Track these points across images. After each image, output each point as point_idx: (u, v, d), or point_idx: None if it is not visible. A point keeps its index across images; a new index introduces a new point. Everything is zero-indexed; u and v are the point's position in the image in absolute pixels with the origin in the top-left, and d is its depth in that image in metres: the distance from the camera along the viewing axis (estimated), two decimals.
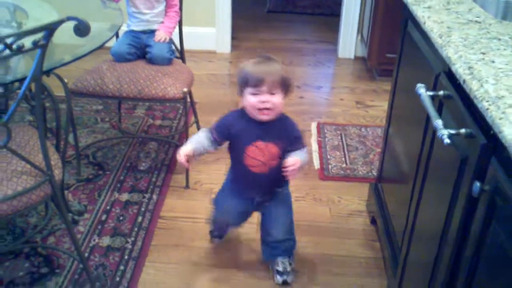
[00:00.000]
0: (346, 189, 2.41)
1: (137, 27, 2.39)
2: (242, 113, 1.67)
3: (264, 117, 1.61)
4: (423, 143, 1.45)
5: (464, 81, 1.08)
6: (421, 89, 1.33)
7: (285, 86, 1.60)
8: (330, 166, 2.56)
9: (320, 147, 2.72)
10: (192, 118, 2.65)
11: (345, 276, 1.93)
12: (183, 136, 2.55)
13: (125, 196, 2.28)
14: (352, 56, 3.88)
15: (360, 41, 3.84)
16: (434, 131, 1.25)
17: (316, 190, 2.40)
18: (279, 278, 1.85)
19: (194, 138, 1.71)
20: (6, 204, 1.54)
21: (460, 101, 1.16)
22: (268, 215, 1.81)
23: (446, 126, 1.13)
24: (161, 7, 2.38)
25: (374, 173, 2.44)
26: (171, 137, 2.75)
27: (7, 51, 1.32)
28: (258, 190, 1.74)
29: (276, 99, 1.59)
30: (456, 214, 1.12)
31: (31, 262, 1.92)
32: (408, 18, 1.75)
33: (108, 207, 2.21)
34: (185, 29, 2.56)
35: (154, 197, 2.26)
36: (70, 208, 2.19)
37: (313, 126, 2.91)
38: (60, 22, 1.38)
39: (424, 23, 1.43)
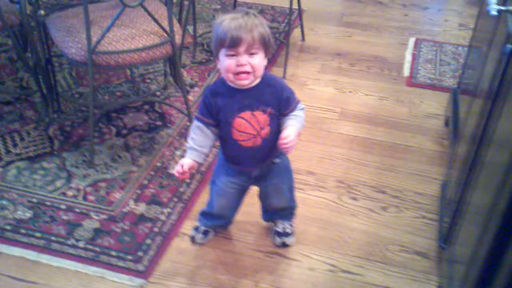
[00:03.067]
0: (429, 95, 2.59)
1: None
2: (220, 85, 1.47)
3: (243, 82, 1.40)
4: (500, 63, 1.57)
5: None
6: None
7: (265, 44, 1.39)
8: (418, 75, 2.74)
9: (413, 59, 2.88)
10: (298, 22, 2.93)
11: (408, 161, 2.17)
12: (285, 39, 2.84)
13: None
14: None
15: None
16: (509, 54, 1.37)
17: (400, 93, 2.60)
18: (278, 240, 1.77)
19: (190, 147, 1.50)
20: (136, 54, 1.95)
21: None
22: (268, 188, 1.66)
23: None
24: None
25: None
26: (278, 35, 3.05)
27: None
28: (255, 164, 1.57)
29: (255, 61, 1.38)
30: None
31: (148, 116, 2.37)
32: None
33: None
34: None
35: None
36: (184, 81, 2.59)
37: (411, 41, 3.06)
38: None
39: None
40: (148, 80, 2.62)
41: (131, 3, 1.88)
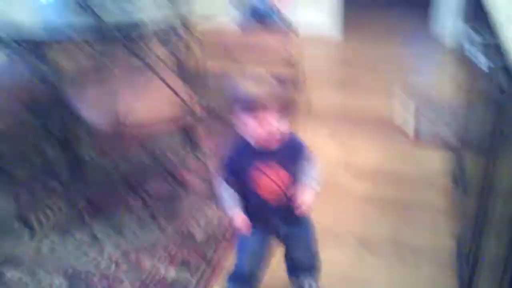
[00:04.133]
0: (434, 153, 2.73)
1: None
2: (241, 145, 1.53)
3: (267, 142, 1.47)
4: (495, 124, 1.62)
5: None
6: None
7: (284, 105, 1.45)
8: (422, 134, 2.89)
9: (416, 119, 3.05)
10: (303, 89, 3.11)
11: (420, 216, 2.28)
12: (293, 104, 3.00)
13: None
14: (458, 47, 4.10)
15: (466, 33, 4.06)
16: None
17: (407, 152, 2.75)
18: None
19: (229, 204, 1.59)
20: (159, 124, 2.09)
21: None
22: (293, 243, 1.70)
23: None
24: None
25: None
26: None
27: None
28: (278, 220, 1.61)
29: (277, 122, 1.44)
30: None
31: (170, 185, 2.48)
32: None
33: None
34: (298, 14, 3.00)
35: None
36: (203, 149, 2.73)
37: (412, 102, 3.24)
38: None
39: None
40: (167, 150, 2.75)
41: (154, 75, 2.04)
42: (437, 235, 2.18)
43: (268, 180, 1.51)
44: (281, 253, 1.80)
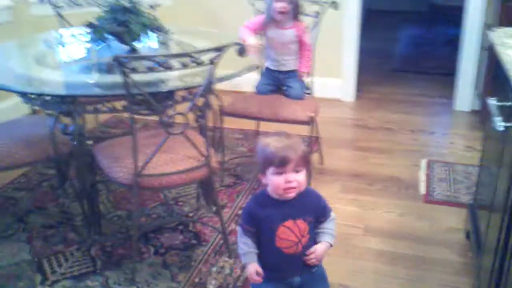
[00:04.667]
0: (447, 211, 2.73)
1: (274, 67, 2.95)
2: (262, 196, 1.63)
3: (290, 195, 1.57)
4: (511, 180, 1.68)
5: None
6: (491, 100, 1.72)
7: (307, 162, 1.59)
8: (435, 193, 2.90)
9: (427, 178, 3.07)
10: (316, 147, 3.17)
11: (435, 272, 2.26)
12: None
13: None
14: (467, 109, 4.18)
15: (475, 95, 4.15)
16: None
17: (420, 210, 2.75)
18: None
19: (245, 253, 1.63)
20: (177, 176, 2.14)
21: None
22: None
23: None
24: (294, 51, 2.89)
25: None
26: None
27: (192, 64, 1.95)
28: (294, 271, 1.66)
29: (301, 177, 1.56)
30: None
31: (184, 236, 2.50)
32: None
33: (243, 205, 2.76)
34: (315, 79, 3.09)
35: None
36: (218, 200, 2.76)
37: (423, 162, 3.27)
38: (229, 45, 1.99)
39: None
40: (180, 203, 2.78)
41: (174, 131, 2.10)
42: None
43: (286, 230, 1.58)
44: None
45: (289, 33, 2.84)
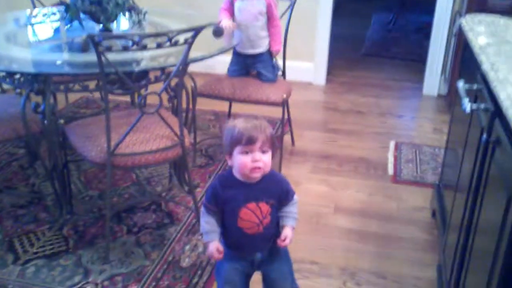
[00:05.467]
0: (413, 191, 2.81)
1: (243, 49, 2.89)
2: (227, 177, 1.65)
3: (256, 175, 1.59)
4: (475, 161, 1.71)
5: (487, 73, 1.54)
6: (460, 83, 1.78)
7: (273, 144, 1.60)
8: (402, 174, 2.98)
9: (395, 159, 3.15)
10: (287, 129, 3.21)
11: (402, 249, 2.34)
12: (278, 142, 3.08)
13: None
14: (435, 94, 4.28)
15: (443, 80, 4.24)
16: (484, 147, 1.56)
17: (387, 190, 2.82)
18: None
19: (207, 231, 1.66)
20: (151, 155, 2.15)
21: (485, 90, 1.61)
22: (270, 273, 1.75)
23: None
24: (262, 26, 2.84)
25: None
26: None
27: (167, 43, 1.95)
28: (256, 249, 1.70)
29: (267, 158, 1.58)
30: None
31: (156, 215, 2.51)
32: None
33: None
34: (287, 62, 3.12)
35: None
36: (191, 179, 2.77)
37: (391, 144, 3.35)
38: (205, 26, 1.99)
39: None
40: (153, 183, 2.79)
41: (148, 110, 2.11)
42: (418, 266, 2.24)
43: (248, 211, 1.61)
44: None
45: (258, 2, 2.80)
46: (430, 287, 2.10)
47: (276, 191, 1.65)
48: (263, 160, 1.56)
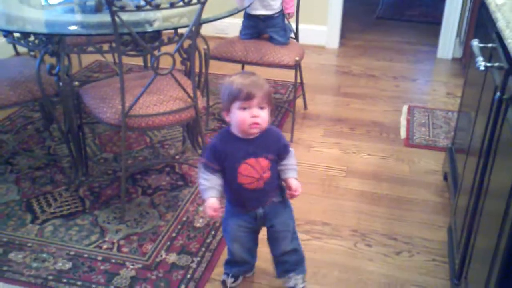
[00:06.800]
0: (426, 154, 2.82)
1: (255, 11, 2.86)
2: (226, 134, 1.66)
3: (254, 131, 1.60)
4: (488, 122, 1.72)
5: (502, 30, 1.52)
6: (474, 42, 1.77)
7: (270, 101, 1.61)
8: (415, 137, 2.98)
9: (408, 123, 3.14)
10: (300, 93, 3.20)
11: (414, 211, 2.36)
12: (291, 105, 3.08)
13: None
14: (449, 57, 4.23)
15: (458, 43, 4.19)
16: (497, 107, 1.56)
17: (400, 153, 2.83)
18: None
19: (206, 188, 1.67)
20: (165, 117, 2.17)
21: (500, 48, 1.59)
22: (273, 227, 1.79)
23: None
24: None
25: None
26: (282, 103, 3.31)
27: (181, 3, 1.95)
28: (258, 204, 1.73)
29: (264, 114, 1.59)
30: None
31: (170, 177, 2.55)
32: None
33: None
34: (300, 25, 3.10)
35: None
36: (200, 144, 2.80)
37: (404, 108, 3.34)
38: None
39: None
40: (166, 146, 2.82)
41: (161, 72, 2.12)
42: (429, 228, 2.26)
43: (248, 167, 1.64)
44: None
45: None
46: (440, 249, 2.13)
47: (274, 146, 1.67)
48: (261, 116, 1.58)
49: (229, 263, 1.91)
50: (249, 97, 1.55)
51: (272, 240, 1.83)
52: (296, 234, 1.84)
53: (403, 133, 3.03)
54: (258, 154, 1.64)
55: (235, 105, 1.57)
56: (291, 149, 1.73)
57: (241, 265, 1.90)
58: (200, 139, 2.47)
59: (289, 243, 1.82)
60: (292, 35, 3.04)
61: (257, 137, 1.63)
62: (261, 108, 1.58)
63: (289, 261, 1.85)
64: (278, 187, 1.75)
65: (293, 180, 1.71)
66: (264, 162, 1.64)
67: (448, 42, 4.22)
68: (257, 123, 1.58)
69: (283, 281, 1.89)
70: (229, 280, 1.90)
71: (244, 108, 1.57)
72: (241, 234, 1.79)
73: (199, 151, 2.61)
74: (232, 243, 1.81)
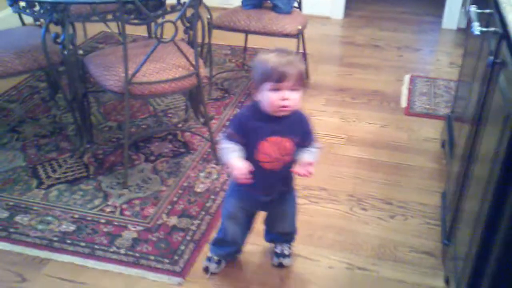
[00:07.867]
0: (425, 123, 2.85)
1: None
2: (255, 108, 1.58)
3: (282, 113, 1.55)
4: (481, 89, 1.74)
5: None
6: (472, 8, 1.78)
7: (302, 82, 1.54)
8: (415, 106, 3.01)
9: (409, 92, 3.16)
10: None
11: (411, 177, 2.40)
12: None
13: None
14: (454, 27, 4.21)
15: (463, 13, 4.17)
16: (490, 72, 1.57)
17: (400, 121, 2.86)
18: (275, 260, 1.89)
19: (228, 151, 1.58)
20: (167, 84, 2.21)
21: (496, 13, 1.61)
22: (274, 215, 1.79)
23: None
24: None
25: None
26: None
27: None
28: (267, 190, 1.68)
29: (296, 96, 1.53)
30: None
31: (173, 145, 2.60)
32: None
33: (230, 117, 2.85)
34: None
35: None
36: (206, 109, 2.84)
37: (406, 77, 3.36)
38: None
39: None
40: (170, 115, 2.87)
41: (164, 39, 2.15)
42: (425, 193, 2.31)
43: (271, 145, 1.58)
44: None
45: None
46: (434, 213, 2.18)
47: (300, 129, 1.61)
48: (292, 98, 1.52)
49: (217, 243, 1.86)
50: (282, 78, 1.48)
51: (269, 222, 1.85)
52: (295, 219, 1.84)
53: (403, 102, 3.06)
54: (284, 134, 1.57)
55: (267, 85, 1.50)
56: (318, 144, 1.66)
57: (230, 246, 1.85)
58: (202, 108, 2.51)
59: (286, 227, 1.83)
60: (295, 3, 3.06)
61: (287, 117, 1.57)
62: (293, 90, 1.51)
63: (281, 238, 1.89)
64: (291, 179, 1.71)
65: (308, 158, 1.61)
66: (288, 143, 1.58)
67: (453, 12, 4.20)
68: (286, 106, 1.52)
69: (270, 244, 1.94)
70: (212, 266, 1.87)
71: (276, 90, 1.50)
72: (240, 215, 1.76)
73: (201, 120, 2.66)
74: (228, 220, 1.77)
